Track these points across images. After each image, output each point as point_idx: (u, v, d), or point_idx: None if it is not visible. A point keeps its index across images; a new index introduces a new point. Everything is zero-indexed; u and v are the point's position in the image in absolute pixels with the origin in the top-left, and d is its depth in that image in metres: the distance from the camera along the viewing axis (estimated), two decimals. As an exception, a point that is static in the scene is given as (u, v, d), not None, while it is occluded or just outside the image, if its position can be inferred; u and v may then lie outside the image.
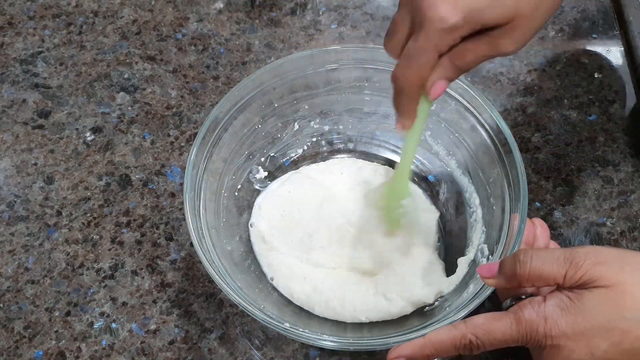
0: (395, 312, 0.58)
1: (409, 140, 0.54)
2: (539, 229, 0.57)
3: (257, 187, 0.66)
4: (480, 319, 0.47)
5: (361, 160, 0.69)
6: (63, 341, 0.60)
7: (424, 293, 0.58)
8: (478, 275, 0.55)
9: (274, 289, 0.61)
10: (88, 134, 0.72)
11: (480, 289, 0.52)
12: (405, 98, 0.49)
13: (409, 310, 0.58)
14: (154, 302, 0.62)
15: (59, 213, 0.67)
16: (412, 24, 0.46)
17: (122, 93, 0.75)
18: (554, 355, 0.45)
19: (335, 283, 0.60)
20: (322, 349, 0.58)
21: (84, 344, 0.60)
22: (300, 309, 0.60)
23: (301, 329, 0.52)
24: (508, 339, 0.46)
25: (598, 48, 0.78)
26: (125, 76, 0.76)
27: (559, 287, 0.47)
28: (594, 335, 0.44)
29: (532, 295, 0.50)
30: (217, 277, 0.52)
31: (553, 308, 0.45)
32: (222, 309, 0.61)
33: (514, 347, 0.47)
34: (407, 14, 0.46)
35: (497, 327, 0.46)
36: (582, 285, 0.45)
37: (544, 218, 0.65)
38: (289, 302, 0.60)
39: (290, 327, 0.52)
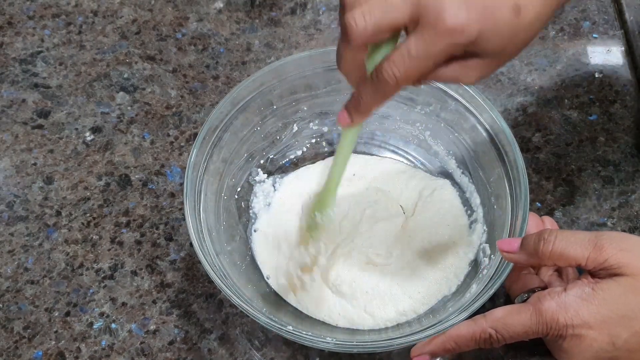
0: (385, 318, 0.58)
1: (344, 145, 0.50)
2: (548, 227, 0.57)
3: (257, 189, 0.66)
4: (499, 312, 0.47)
5: (362, 155, 0.69)
6: (62, 341, 0.60)
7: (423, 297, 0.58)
8: (480, 275, 0.55)
9: (271, 288, 0.61)
10: (87, 133, 0.72)
11: (483, 289, 0.52)
12: (380, 95, 0.44)
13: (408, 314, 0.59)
14: (154, 302, 0.61)
15: (58, 213, 0.67)
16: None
17: (121, 93, 0.75)
18: (575, 345, 0.45)
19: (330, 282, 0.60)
20: (321, 349, 0.58)
21: (83, 344, 0.59)
22: (296, 309, 0.60)
23: (304, 332, 0.52)
24: (528, 331, 0.46)
25: (598, 48, 0.77)
26: (125, 76, 0.76)
27: (580, 277, 0.47)
28: (616, 324, 0.44)
29: (544, 288, 0.50)
30: (217, 279, 0.52)
31: (574, 298, 0.45)
32: (222, 309, 0.61)
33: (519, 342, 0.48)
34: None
35: (516, 320, 0.46)
36: (605, 269, 0.45)
37: (544, 218, 0.65)
38: (285, 302, 0.60)
39: (294, 329, 0.51)
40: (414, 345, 0.50)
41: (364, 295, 0.59)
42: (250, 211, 0.65)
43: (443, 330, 0.50)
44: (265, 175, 0.67)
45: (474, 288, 0.54)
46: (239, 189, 0.65)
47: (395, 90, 0.43)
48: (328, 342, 0.51)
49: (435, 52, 0.41)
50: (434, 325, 0.51)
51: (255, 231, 0.64)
